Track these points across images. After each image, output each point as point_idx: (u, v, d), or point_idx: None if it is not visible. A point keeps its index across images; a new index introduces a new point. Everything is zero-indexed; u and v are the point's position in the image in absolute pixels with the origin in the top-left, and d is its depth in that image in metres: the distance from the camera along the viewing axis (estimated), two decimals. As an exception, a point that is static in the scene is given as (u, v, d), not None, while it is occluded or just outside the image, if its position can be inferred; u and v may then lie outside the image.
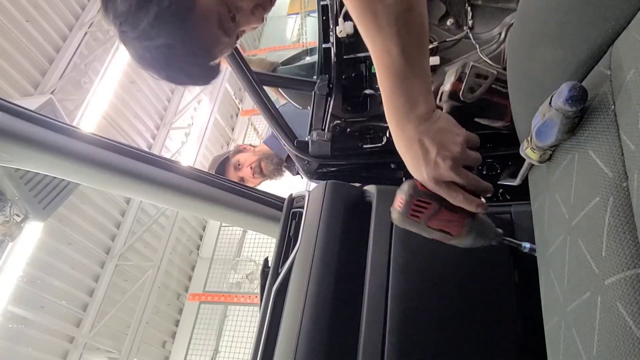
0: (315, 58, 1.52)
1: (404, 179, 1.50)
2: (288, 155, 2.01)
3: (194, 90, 6.25)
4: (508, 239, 0.73)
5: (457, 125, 0.66)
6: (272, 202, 1.17)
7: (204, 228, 6.83)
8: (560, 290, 0.56)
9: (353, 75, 1.45)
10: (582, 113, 0.51)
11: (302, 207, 1.00)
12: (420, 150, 0.64)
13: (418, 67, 0.63)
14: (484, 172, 1.26)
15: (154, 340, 5.74)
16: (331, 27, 1.42)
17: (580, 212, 0.49)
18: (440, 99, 1.07)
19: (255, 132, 7.45)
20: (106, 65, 4.77)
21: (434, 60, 1.37)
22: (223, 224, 6.59)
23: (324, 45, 1.46)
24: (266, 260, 1.04)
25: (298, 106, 1.79)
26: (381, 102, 1.54)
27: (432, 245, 0.91)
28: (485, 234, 0.70)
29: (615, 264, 0.42)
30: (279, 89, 1.87)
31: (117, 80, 4.89)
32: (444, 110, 0.99)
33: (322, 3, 1.45)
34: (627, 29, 0.45)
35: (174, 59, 0.84)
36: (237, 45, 0.96)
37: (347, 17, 1.38)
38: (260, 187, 1.85)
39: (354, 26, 1.36)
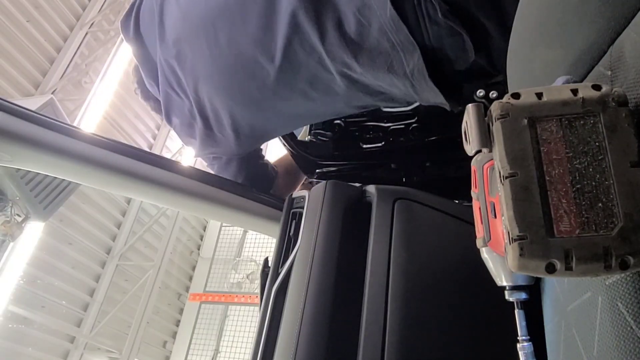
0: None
1: (404, 179, 1.50)
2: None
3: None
4: None
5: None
6: (272, 202, 1.17)
7: (204, 228, 6.84)
8: (560, 290, 0.56)
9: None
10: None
11: (302, 207, 1.00)
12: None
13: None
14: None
15: (154, 340, 5.75)
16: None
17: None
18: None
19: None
20: (107, 65, 4.78)
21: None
22: (224, 224, 6.60)
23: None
24: (266, 260, 1.04)
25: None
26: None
27: (433, 245, 0.91)
28: None
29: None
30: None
31: (117, 80, 4.89)
32: None
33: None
34: (627, 29, 0.45)
35: None
36: None
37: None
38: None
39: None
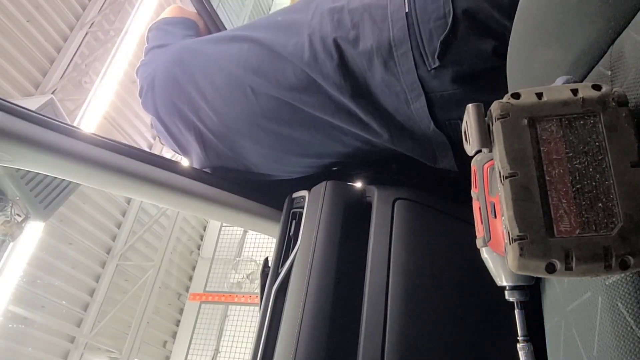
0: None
1: (404, 179, 1.50)
2: None
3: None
4: None
5: None
6: (272, 202, 1.17)
7: (204, 228, 6.84)
8: (560, 290, 0.56)
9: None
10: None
11: (302, 207, 1.00)
12: None
13: None
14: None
15: (154, 340, 5.75)
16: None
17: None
18: None
19: (255, 132, 7.44)
20: (107, 65, 4.77)
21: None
22: (224, 224, 6.60)
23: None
24: (266, 260, 1.04)
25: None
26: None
27: (433, 245, 0.91)
28: None
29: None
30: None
31: (118, 80, 4.89)
32: None
33: None
34: (627, 29, 0.45)
35: None
36: None
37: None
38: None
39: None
